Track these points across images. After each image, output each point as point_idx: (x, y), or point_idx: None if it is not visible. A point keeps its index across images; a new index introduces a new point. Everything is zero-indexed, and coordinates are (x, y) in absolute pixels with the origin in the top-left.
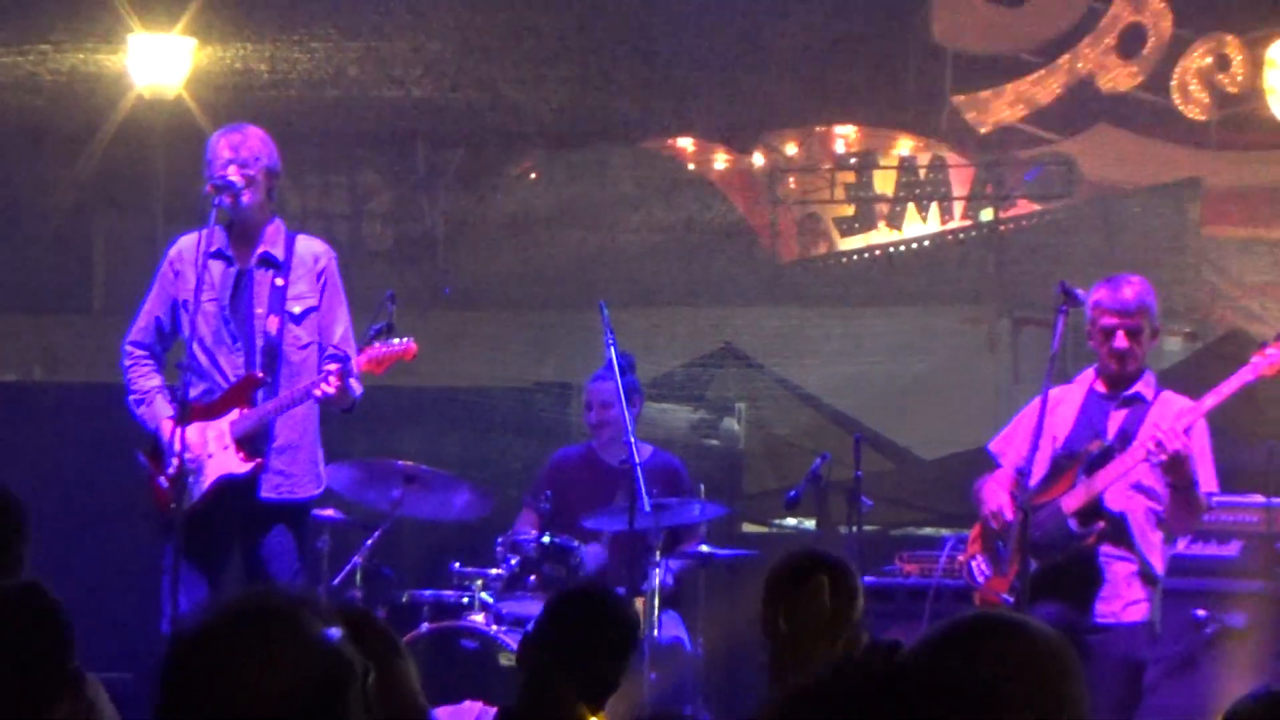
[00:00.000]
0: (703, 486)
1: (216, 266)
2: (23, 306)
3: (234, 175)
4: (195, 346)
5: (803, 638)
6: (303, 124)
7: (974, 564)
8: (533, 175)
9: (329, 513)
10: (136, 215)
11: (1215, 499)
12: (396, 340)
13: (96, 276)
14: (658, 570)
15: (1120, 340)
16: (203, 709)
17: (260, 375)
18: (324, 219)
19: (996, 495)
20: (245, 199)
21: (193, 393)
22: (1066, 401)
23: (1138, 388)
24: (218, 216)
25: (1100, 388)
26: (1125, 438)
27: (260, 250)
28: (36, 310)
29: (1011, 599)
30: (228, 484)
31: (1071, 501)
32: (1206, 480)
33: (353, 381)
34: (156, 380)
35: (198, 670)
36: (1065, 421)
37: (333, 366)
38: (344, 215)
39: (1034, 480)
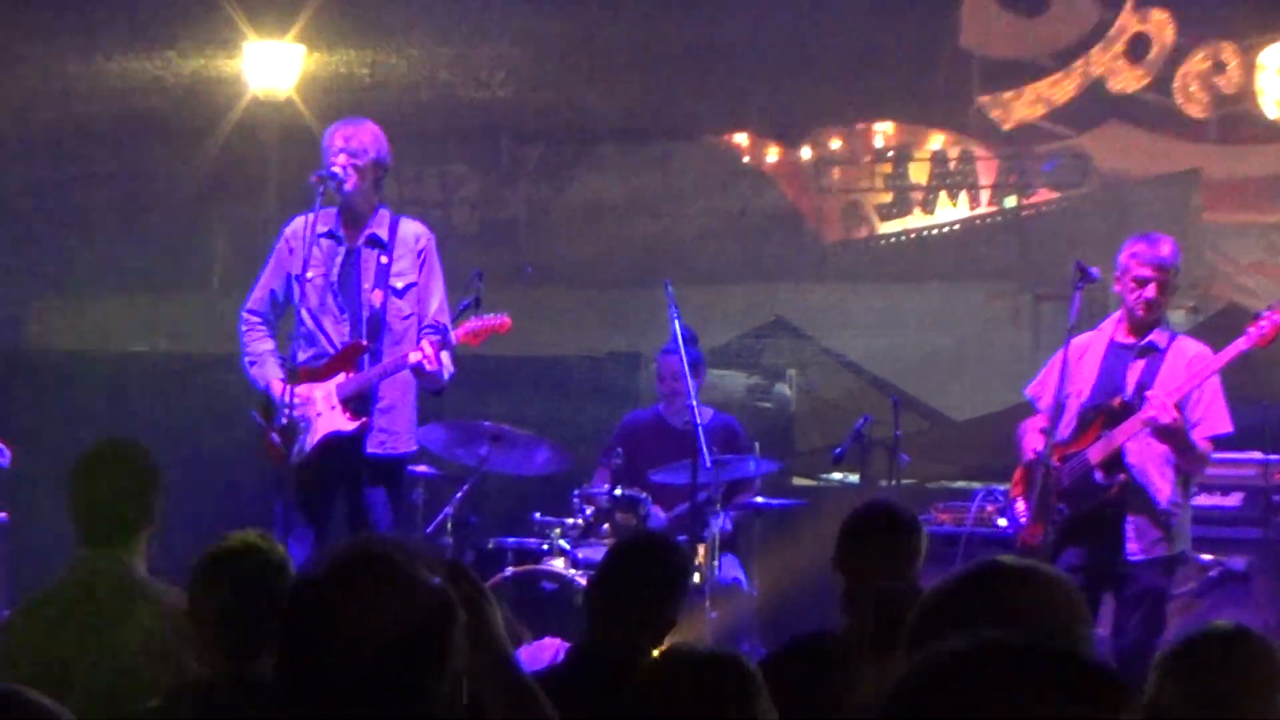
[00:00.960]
0: (757, 444)
1: (327, 245)
2: (151, 286)
3: (339, 165)
4: (304, 315)
5: (870, 576)
6: (399, 122)
7: (1015, 506)
8: (604, 168)
9: (423, 468)
10: (251, 205)
11: (1216, 455)
12: (492, 315)
13: (216, 259)
14: (718, 519)
15: (1151, 291)
16: (322, 648)
17: (365, 343)
18: (418, 206)
19: (1035, 440)
20: (348, 186)
21: (302, 357)
22: (1091, 350)
23: (1153, 337)
24: (324, 200)
25: (1121, 336)
26: (1141, 390)
27: (368, 232)
28: (163, 289)
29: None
30: (334, 440)
31: (1095, 454)
32: (1219, 424)
33: (445, 356)
34: (270, 344)
35: (317, 613)
36: (1090, 373)
37: (434, 337)
38: (436, 203)
39: (1064, 433)
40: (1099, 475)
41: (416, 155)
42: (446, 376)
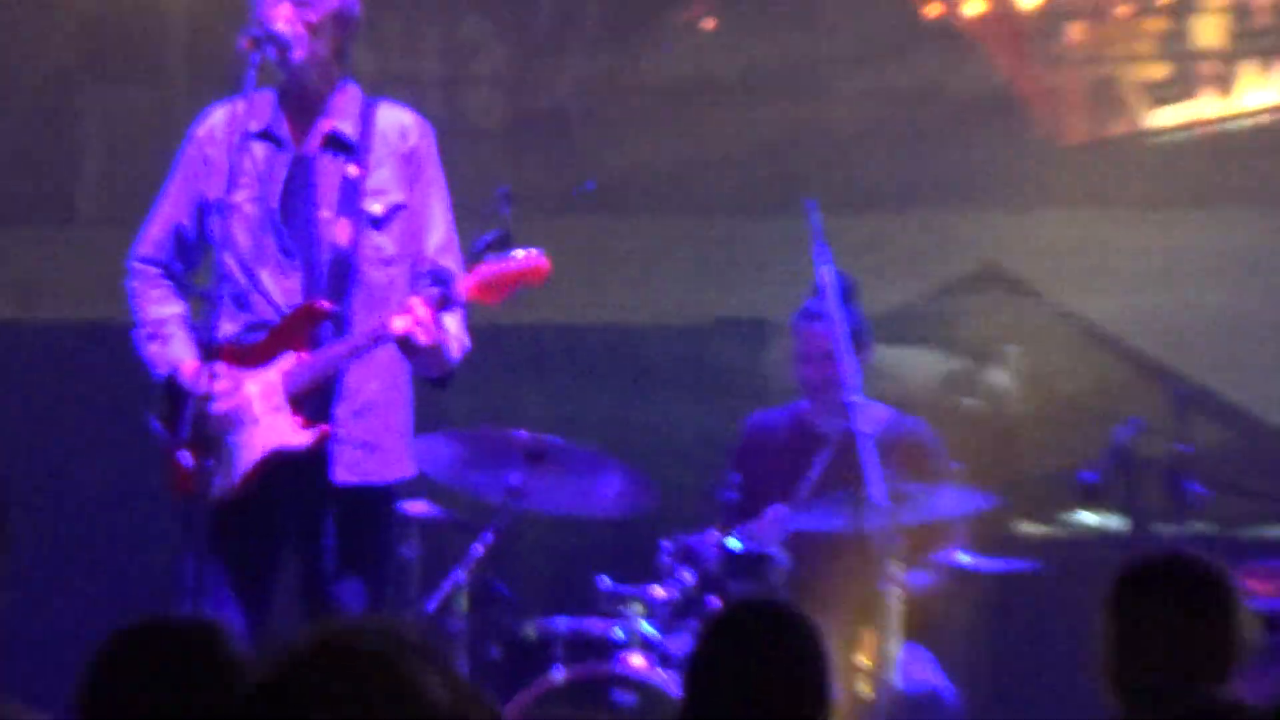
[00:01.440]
0: (959, 466)
1: (262, 151)
2: None
3: (282, 24)
4: (230, 262)
5: (1158, 678)
6: None
7: None
8: (707, 24)
9: (420, 506)
10: (142, 88)
11: None
12: (519, 254)
13: (86, 174)
14: (897, 588)
15: None
16: None
17: (325, 305)
18: (411, 86)
19: None
20: (297, 54)
21: (227, 329)
22: None
23: None
24: (258, 80)
25: None
26: None
27: (326, 127)
28: (3, 222)
29: None
30: (280, 460)
31: None
32: None
33: (452, 321)
34: (177, 308)
35: None
36: None
37: (431, 291)
38: (438, 81)
39: None
40: None
41: (408, 6)
42: (457, 353)
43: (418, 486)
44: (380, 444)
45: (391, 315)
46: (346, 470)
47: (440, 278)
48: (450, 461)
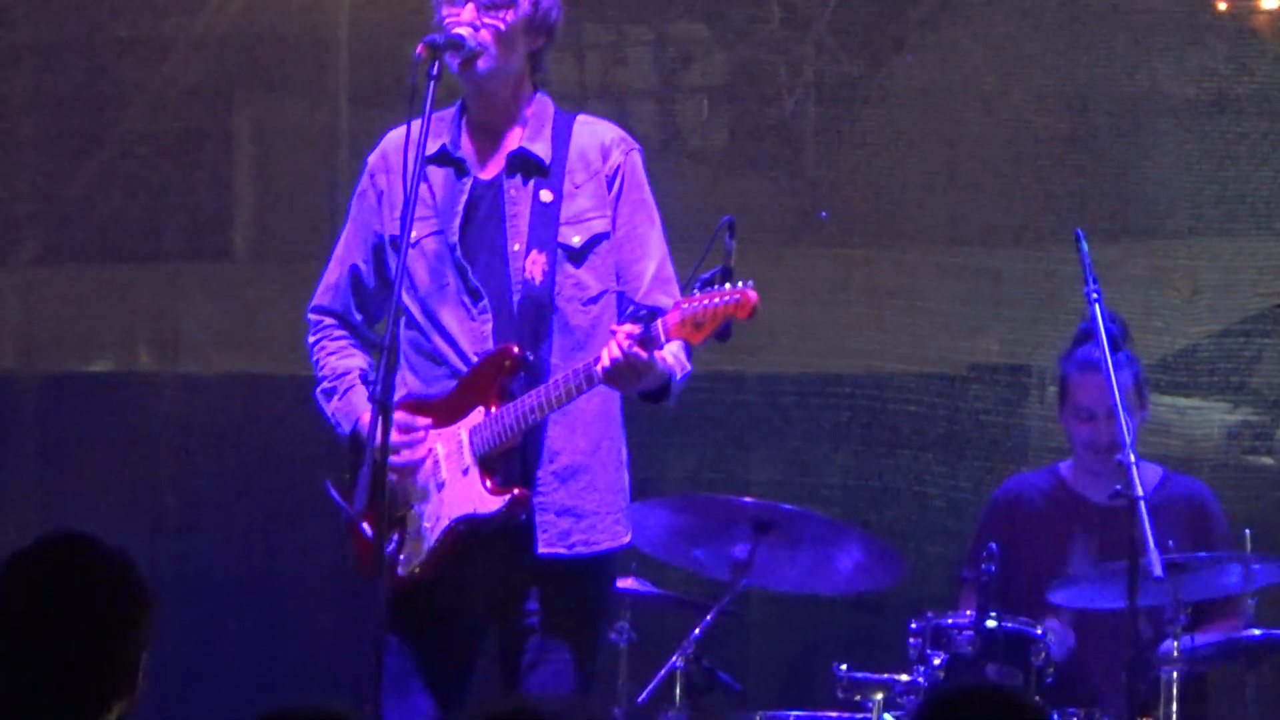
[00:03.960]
0: (1249, 533)
1: (439, 176)
2: (118, 253)
3: (465, 27)
4: (410, 306)
5: None
6: None
7: None
8: (966, 24)
9: (628, 583)
10: (302, 101)
11: None
12: (726, 288)
13: (240, 203)
14: (1175, 669)
15: None
16: None
17: (519, 351)
18: (616, 99)
19: None
20: (484, 64)
21: (407, 382)
22: None
23: None
24: (437, 94)
25: None
26: None
27: (514, 146)
28: (140, 259)
29: None
30: (472, 532)
31: None
32: None
33: (667, 355)
34: (358, 359)
35: None
36: None
37: (633, 328)
38: (649, 91)
39: None
40: None
41: (614, 9)
42: (679, 375)
43: (627, 561)
44: (588, 510)
45: (597, 357)
46: (549, 541)
47: (641, 316)
48: (666, 532)
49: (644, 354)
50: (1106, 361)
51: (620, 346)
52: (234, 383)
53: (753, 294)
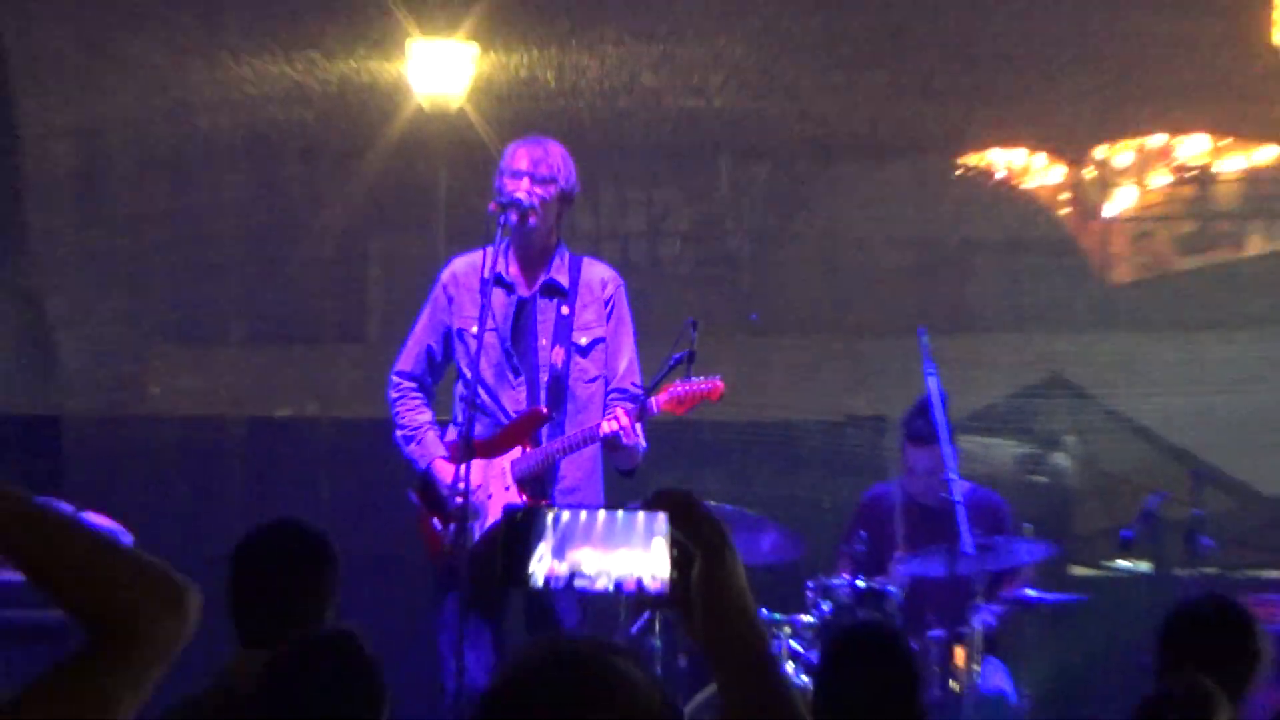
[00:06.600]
0: (1028, 525)
1: (496, 295)
2: (295, 336)
3: (523, 193)
4: (473, 378)
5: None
6: (594, 136)
7: None
8: (844, 191)
9: None
10: (416, 236)
11: None
12: (702, 379)
13: (372, 303)
14: (980, 615)
15: None
16: None
17: (545, 411)
18: (618, 240)
19: None
20: (533, 221)
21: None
22: None
23: None
24: (503, 235)
25: None
26: None
27: (545, 277)
28: (309, 340)
29: None
30: None
31: None
32: None
33: (640, 430)
34: (426, 415)
35: None
36: None
37: (627, 405)
38: (641, 234)
39: None
40: None
41: (614, 178)
42: (642, 447)
43: None
44: None
45: (600, 421)
46: None
47: (630, 395)
48: None
49: (636, 426)
50: (931, 434)
51: (619, 421)
52: (371, 425)
53: (721, 384)
